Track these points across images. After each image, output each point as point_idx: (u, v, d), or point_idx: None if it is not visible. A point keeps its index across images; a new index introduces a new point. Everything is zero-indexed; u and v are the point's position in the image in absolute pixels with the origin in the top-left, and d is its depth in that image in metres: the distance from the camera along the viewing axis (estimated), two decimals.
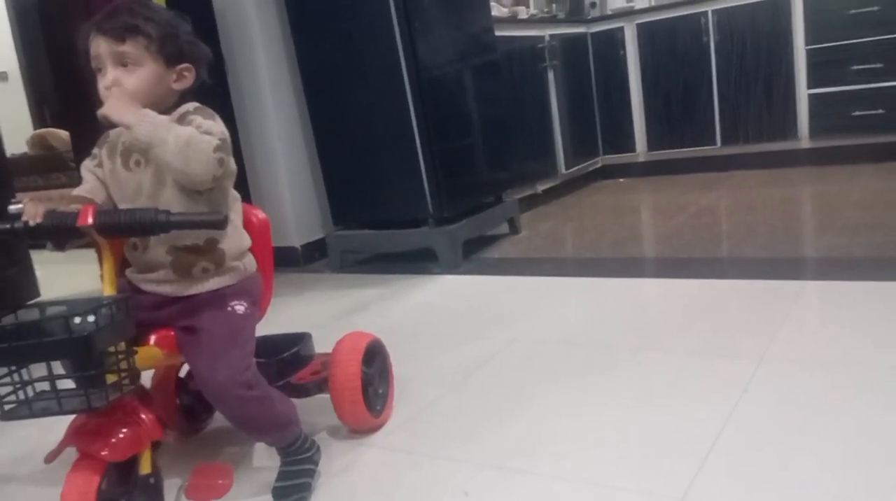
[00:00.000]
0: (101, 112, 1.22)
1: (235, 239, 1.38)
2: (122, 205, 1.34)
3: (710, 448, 1.34)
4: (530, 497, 1.29)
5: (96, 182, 1.36)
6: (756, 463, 1.28)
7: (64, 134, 4.73)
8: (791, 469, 1.25)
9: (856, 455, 1.25)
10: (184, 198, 1.29)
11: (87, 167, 1.38)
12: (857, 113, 3.87)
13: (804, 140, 4.07)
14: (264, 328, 1.56)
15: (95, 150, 1.38)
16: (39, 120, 6.09)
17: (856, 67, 3.83)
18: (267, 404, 1.30)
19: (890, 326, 1.79)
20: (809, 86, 3.98)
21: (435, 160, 2.94)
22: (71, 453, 1.19)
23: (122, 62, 1.26)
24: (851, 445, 1.29)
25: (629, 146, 4.59)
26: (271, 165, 3.29)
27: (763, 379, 1.60)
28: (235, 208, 1.41)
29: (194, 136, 1.22)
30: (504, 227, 3.44)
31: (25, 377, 1.15)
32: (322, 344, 1.70)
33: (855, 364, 1.63)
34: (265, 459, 1.51)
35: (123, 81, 1.26)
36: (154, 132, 1.20)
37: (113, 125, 1.25)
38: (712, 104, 4.26)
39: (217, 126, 1.28)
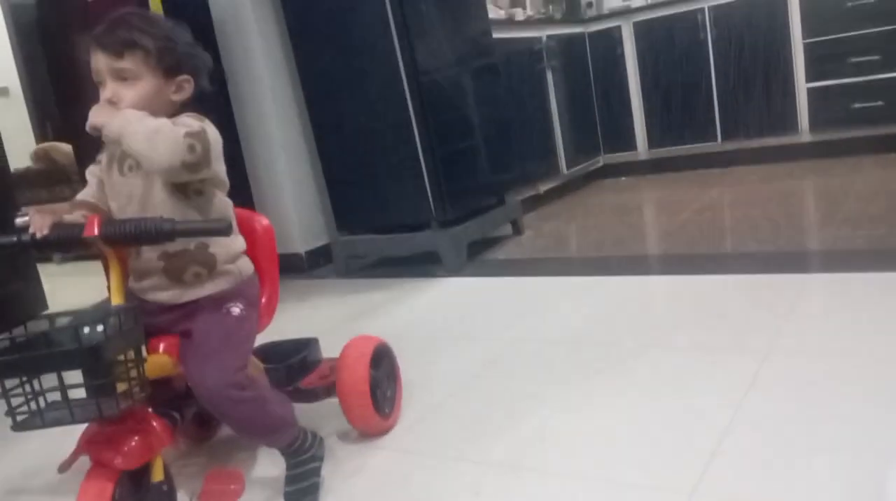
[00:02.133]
0: (91, 123, 1.25)
1: (227, 242, 1.37)
2: (115, 211, 1.34)
3: (719, 442, 1.35)
4: (542, 495, 1.29)
5: (99, 185, 1.37)
6: (764, 456, 1.29)
7: (67, 147, 4.75)
8: (799, 462, 1.25)
9: (864, 447, 1.25)
10: (173, 202, 1.30)
11: (91, 171, 1.40)
12: (856, 105, 3.87)
13: (804, 134, 4.07)
14: (271, 334, 1.57)
15: (100, 156, 1.40)
16: (42, 134, 6.11)
17: (854, 60, 3.83)
18: (260, 405, 1.30)
19: (893, 318, 1.80)
20: (808, 80, 3.99)
21: (436, 163, 2.95)
22: (84, 463, 1.20)
23: (122, 76, 1.28)
24: (859, 436, 1.29)
25: (630, 144, 4.60)
26: (274, 173, 3.30)
27: (770, 372, 1.61)
28: (228, 213, 1.40)
29: (165, 125, 1.23)
30: (507, 228, 3.45)
31: (37, 388, 1.16)
32: (329, 349, 1.71)
33: (860, 355, 1.63)
34: (273, 465, 1.51)
35: (122, 95, 1.27)
36: (124, 125, 1.22)
37: (101, 137, 1.26)
38: (712, 100, 4.26)
39: (197, 122, 1.29)
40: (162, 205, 1.29)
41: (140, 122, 1.23)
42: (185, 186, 1.31)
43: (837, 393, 1.47)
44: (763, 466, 1.26)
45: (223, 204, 1.39)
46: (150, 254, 1.32)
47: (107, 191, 1.36)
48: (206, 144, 1.25)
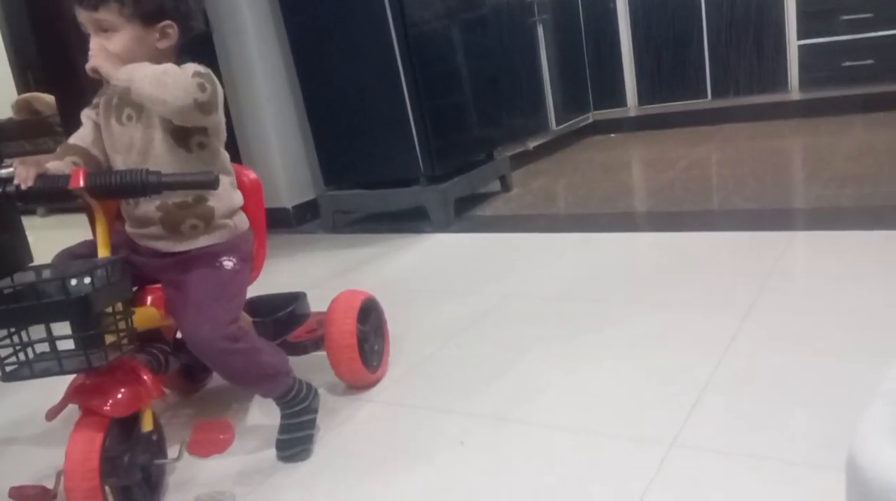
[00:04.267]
0: (90, 65, 1.25)
1: (225, 197, 1.38)
2: (113, 159, 1.35)
3: (700, 396, 1.37)
4: (525, 446, 1.32)
5: (94, 128, 1.38)
6: (744, 409, 1.32)
7: (49, 98, 4.67)
8: (778, 415, 1.28)
9: (842, 400, 1.27)
10: (173, 155, 1.30)
11: (86, 114, 1.40)
12: (847, 63, 3.85)
13: (794, 92, 4.06)
14: (259, 288, 1.57)
15: (96, 100, 1.39)
16: (24, 84, 5.99)
17: (846, 17, 3.80)
18: (253, 356, 1.32)
19: (875, 275, 1.82)
20: (800, 37, 3.95)
21: (425, 118, 2.92)
22: (72, 414, 1.21)
23: (102, 28, 1.27)
24: (838, 390, 1.32)
25: (620, 101, 4.56)
26: (260, 127, 3.27)
27: (752, 328, 1.63)
28: (227, 167, 1.41)
29: (171, 67, 1.25)
30: (495, 185, 3.44)
31: (25, 339, 1.17)
32: (317, 303, 1.71)
33: (841, 311, 1.66)
34: (265, 415, 1.53)
35: (106, 47, 1.27)
36: (131, 72, 1.23)
37: (101, 79, 1.26)
38: (703, 57, 4.23)
39: (202, 67, 1.29)
40: (163, 158, 1.30)
41: (146, 67, 1.24)
42: (188, 140, 1.31)
43: (818, 349, 1.50)
44: (743, 418, 1.29)
45: (225, 158, 1.40)
46: (148, 205, 1.33)
47: (104, 140, 1.36)
48: (214, 84, 1.27)
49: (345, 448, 1.41)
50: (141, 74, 1.22)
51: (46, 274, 1.19)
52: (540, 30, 4.09)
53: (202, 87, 1.24)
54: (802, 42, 3.95)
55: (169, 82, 1.22)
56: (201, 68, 1.28)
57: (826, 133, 3.69)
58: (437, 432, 1.42)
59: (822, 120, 3.92)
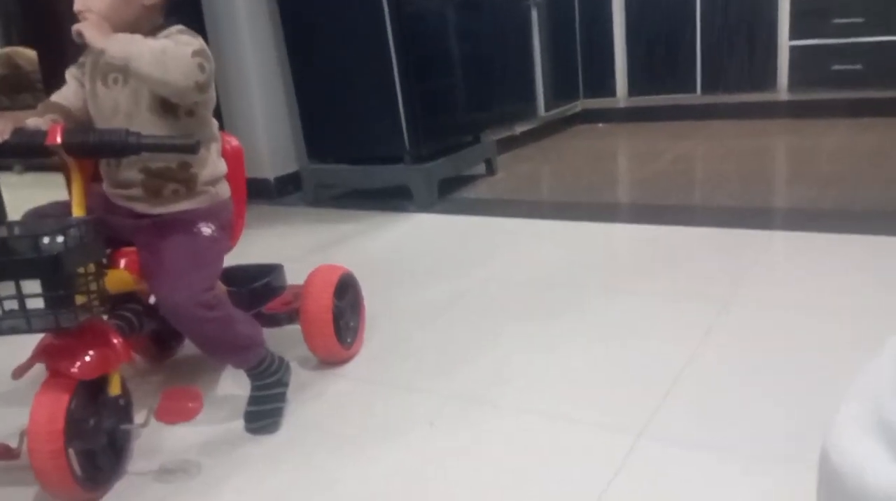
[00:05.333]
0: (76, 27, 1.20)
1: (210, 165, 1.36)
2: (98, 122, 1.32)
3: (671, 386, 1.38)
4: (494, 428, 1.32)
5: (78, 88, 1.35)
6: (714, 401, 1.33)
7: (31, 53, 4.58)
8: (748, 408, 1.29)
9: (814, 395, 1.28)
10: (160, 121, 1.28)
11: (71, 73, 1.37)
12: (836, 67, 3.87)
13: (783, 92, 4.07)
14: (236, 258, 1.56)
15: (82, 59, 1.36)
16: (5, 39, 5.88)
17: (837, 21, 3.82)
18: (228, 324, 1.30)
19: (850, 275, 1.84)
20: (791, 38, 3.96)
21: (413, 96, 2.90)
22: (38, 374, 1.19)
23: None
24: (810, 385, 1.33)
25: (610, 90, 4.56)
26: (246, 94, 3.22)
27: (726, 321, 1.65)
28: (215, 135, 1.40)
29: (169, 45, 1.22)
30: (480, 168, 3.43)
31: None
32: (294, 277, 1.70)
33: (816, 309, 1.67)
34: (235, 386, 1.52)
35: (91, 4, 1.24)
36: (126, 48, 1.20)
37: (85, 44, 1.22)
38: (694, 52, 4.23)
39: (196, 40, 1.27)
40: (149, 124, 1.27)
41: (142, 44, 1.20)
42: (177, 107, 1.29)
43: (790, 345, 1.51)
44: (712, 410, 1.30)
45: (213, 125, 1.38)
46: (131, 168, 1.31)
47: (88, 101, 1.34)
48: (211, 63, 1.26)
49: (314, 423, 1.41)
50: (137, 50, 1.19)
51: (19, 230, 1.17)
52: (534, 14, 4.06)
53: (202, 68, 1.23)
54: (794, 43, 3.96)
55: (169, 63, 1.19)
56: (197, 43, 1.26)
57: (812, 135, 3.72)
58: (408, 411, 1.41)
59: (809, 121, 3.94)
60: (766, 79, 4.09)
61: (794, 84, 4.02)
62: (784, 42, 3.99)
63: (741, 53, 4.11)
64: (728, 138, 3.87)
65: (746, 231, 2.28)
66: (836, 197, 2.58)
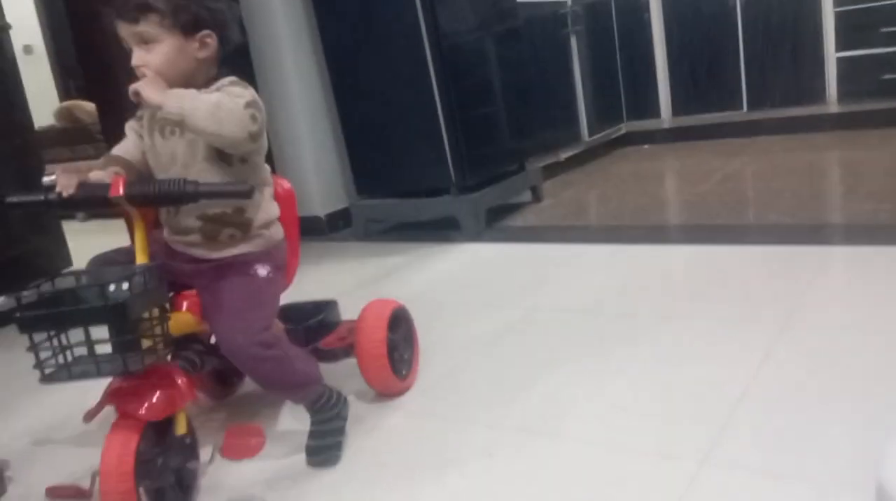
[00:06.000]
0: (133, 87, 1.25)
1: (263, 208, 1.41)
2: (157, 172, 1.38)
3: (732, 412, 1.36)
4: (552, 459, 1.32)
5: (137, 141, 1.41)
6: (776, 427, 1.30)
7: (90, 106, 4.77)
8: (810, 434, 1.26)
9: (875, 421, 1.25)
10: (215, 169, 1.33)
11: (130, 126, 1.43)
12: (886, 76, 3.79)
13: (832, 104, 4.00)
14: (291, 296, 1.59)
15: (140, 112, 1.42)
16: (65, 92, 6.15)
17: (885, 30, 3.74)
18: (286, 363, 1.33)
19: None
20: (838, 50, 3.90)
21: (457, 128, 2.94)
22: (108, 417, 1.24)
23: (143, 41, 1.29)
24: (871, 410, 1.30)
25: (653, 112, 4.54)
26: (295, 136, 3.31)
27: (786, 344, 1.61)
28: (267, 180, 1.44)
29: (222, 99, 1.26)
30: (527, 195, 3.44)
31: (64, 342, 1.20)
32: (348, 312, 1.73)
33: (877, 330, 1.62)
34: (295, 421, 1.55)
35: (147, 60, 1.29)
36: (181, 104, 1.23)
37: (141, 102, 1.27)
38: (738, 68, 4.19)
39: (248, 91, 1.32)
40: (205, 172, 1.32)
41: (196, 99, 1.24)
42: (231, 155, 1.34)
43: (851, 367, 1.47)
44: (774, 437, 1.27)
45: (266, 171, 1.43)
46: (189, 215, 1.35)
47: (147, 152, 1.39)
48: (262, 113, 1.30)
49: (373, 456, 1.42)
50: (192, 106, 1.23)
51: (86, 279, 1.22)
52: (573, 41, 4.09)
53: (254, 119, 1.28)
54: (841, 54, 3.89)
55: (223, 117, 1.24)
56: (249, 94, 1.30)
57: (864, 147, 3.63)
58: (464, 443, 1.42)
59: (861, 133, 3.85)
60: (814, 92, 4.02)
61: (843, 96, 3.95)
62: (831, 53, 3.92)
63: (787, 67, 4.06)
64: (778, 154, 3.80)
65: (802, 247, 2.23)
66: (894, 210, 2.51)
